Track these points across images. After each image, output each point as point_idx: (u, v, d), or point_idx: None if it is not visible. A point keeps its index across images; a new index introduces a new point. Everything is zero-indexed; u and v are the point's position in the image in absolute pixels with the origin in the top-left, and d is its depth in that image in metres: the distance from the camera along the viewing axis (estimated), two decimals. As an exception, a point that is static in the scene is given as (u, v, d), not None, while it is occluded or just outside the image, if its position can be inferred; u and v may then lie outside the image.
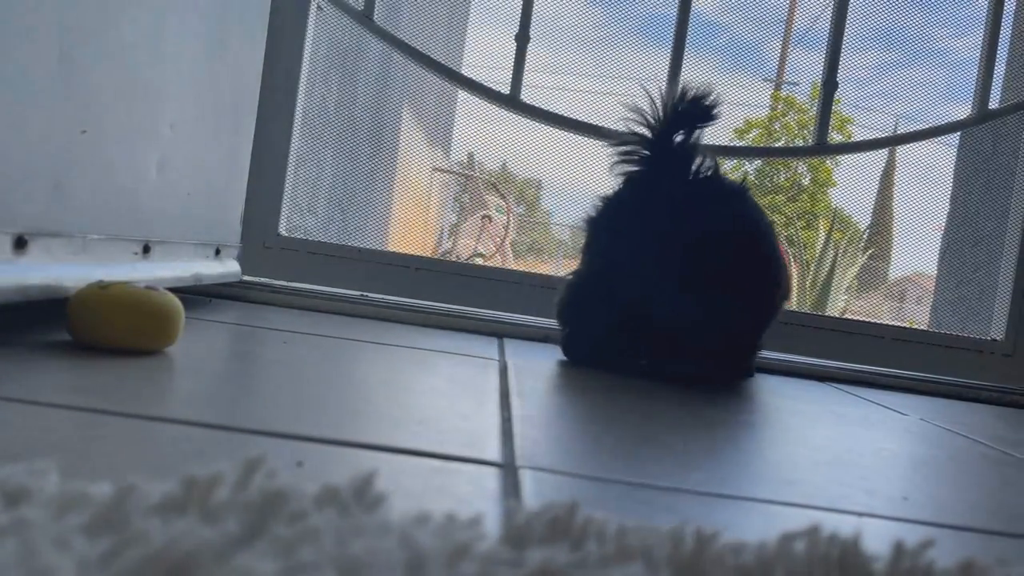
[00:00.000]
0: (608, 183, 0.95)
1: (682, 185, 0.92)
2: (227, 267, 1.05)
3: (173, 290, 0.68)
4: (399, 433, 0.50)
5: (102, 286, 0.63)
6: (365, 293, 1.18)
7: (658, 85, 0.95)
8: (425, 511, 0.30)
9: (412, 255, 1.25)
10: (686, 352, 0.90)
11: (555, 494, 0.41)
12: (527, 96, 1.24)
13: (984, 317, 1.48)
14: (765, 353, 1.06)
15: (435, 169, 4.46)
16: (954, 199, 1.90)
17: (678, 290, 0.88)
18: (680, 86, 0.93)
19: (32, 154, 0.61)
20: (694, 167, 0.92)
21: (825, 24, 1.32)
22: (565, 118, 1.26)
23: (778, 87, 11.23)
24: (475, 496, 0.39)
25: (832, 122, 1.31)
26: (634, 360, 0.92)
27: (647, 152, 0.93)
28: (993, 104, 1.29)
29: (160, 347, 0.64)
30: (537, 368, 0.87)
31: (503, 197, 4.62)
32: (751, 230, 0.92)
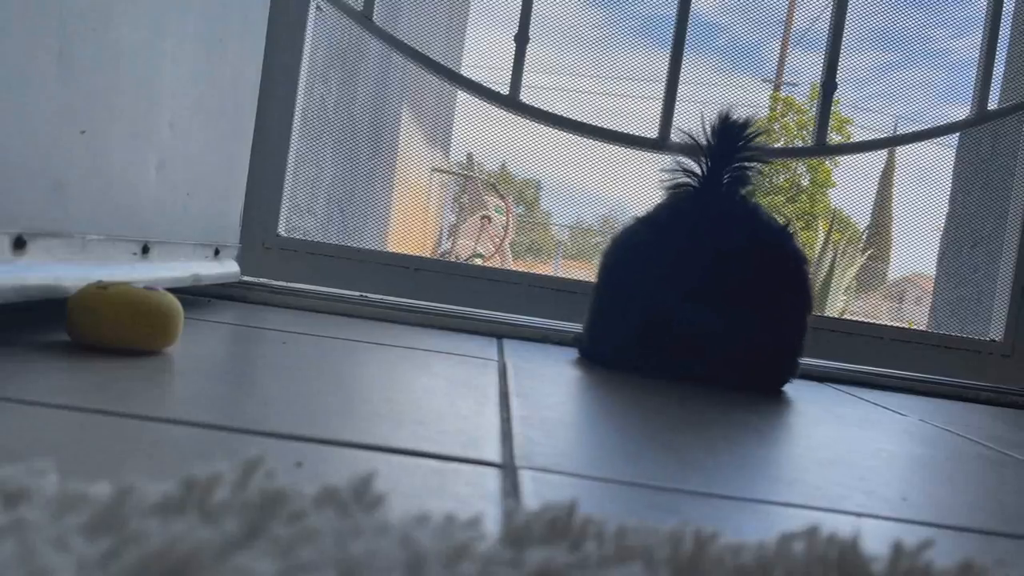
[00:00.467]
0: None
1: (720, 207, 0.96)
2: (226, 267, 1.05)
3: (172, 290, 0.68)
4: (398, 433, 0.50)
5: (101, 286, 0.63)
6: (364, 294, 1.18)
7: (704, 111, 0.98)
8: (424, 511, 0.30)
9: (411, 255, 1.25)
10: (718, 362, 0.92)
11: (554, 494, 0.41)
12: (526, 96, 1.24)
13: (983, 318, 1.48)
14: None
15: (434, 169, 4.46)
16: (953, 200, 1.90)
17: (710, 303, 0.91)
18: (726, 113, 0.97)
19: (31, 154, 0.61)
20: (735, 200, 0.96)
21: (824, 25, 1.32)
22: (564, 118, 1.26)
23: (777, 88, 11.25)
24: (474, 496, 0.39)
25: (831, 123, 1.31)
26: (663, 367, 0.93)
27: (693, 178, 0.97)
28: (992, 105, 1.29)
29: (159, 347, 0.64)
30: (536, 369, 0.87)
31: (502, 197, 4.63)
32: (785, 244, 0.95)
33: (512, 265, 4.50)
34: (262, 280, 1.16)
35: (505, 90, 1.24)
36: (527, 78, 1.25)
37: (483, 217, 4.33)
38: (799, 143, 9.88)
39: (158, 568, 0.23)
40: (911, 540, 0.32)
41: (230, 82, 1.00)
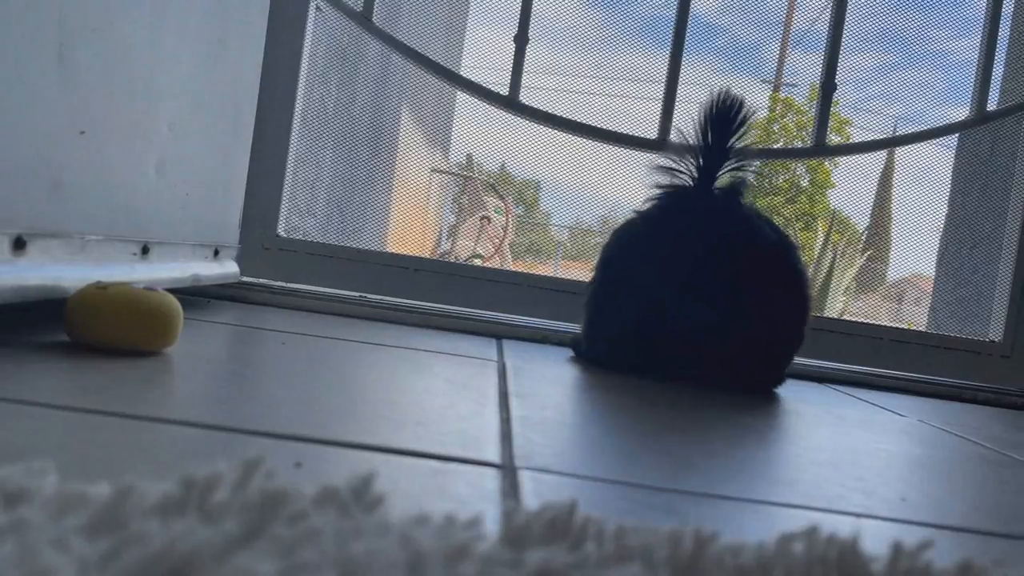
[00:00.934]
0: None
1: (714, 206, 0.96)
2: (226, 268, 1.05)
3: (172, 291, 0.68)
4: (398, 434, 0.50)
5: (101, 287, 0.63)
6: (364, 294, 1.18)
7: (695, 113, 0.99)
8: (424, 512, 0.30)
9: (411, 256, 1.25)
10: (712, 360, 0.92)
11: (554, 495, 0.41)
12: (526, 97, 1.24)
13: (982, 318, 1.48)
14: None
15: (434, 170, 4.46)
16: (952, 201, 1.90)
17: (705, 299, 0.91)
18: (717, 94, 0.97)
19: (31, 154, 0.61)
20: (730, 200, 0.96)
21: (824, 26, 1.32)
22: (564, 119, 1.27)
23: (777, 88, 11.24)
24: (474, 497, 0.39)
25: (831, 123, 1.31)
26: (659, 366, 0.93)
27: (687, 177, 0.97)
28: (991, 106, 1.30)
29: (159, 348, 0.64)
30: (536, 369, 0.87)
31: (502, 198, 4.63)
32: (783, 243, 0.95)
33: (512, 266, 4.50)
34: (262, 280, 1.16)
35: (505, 91, 1.24)
36: (527, 79, 1.25)
37: (483, 218, 4.33)
38: (798, 144, 9.89)
39: (158, 568, 0.23)
40: (910, 540, 0.33)
41: (230, 82, 1.00)
